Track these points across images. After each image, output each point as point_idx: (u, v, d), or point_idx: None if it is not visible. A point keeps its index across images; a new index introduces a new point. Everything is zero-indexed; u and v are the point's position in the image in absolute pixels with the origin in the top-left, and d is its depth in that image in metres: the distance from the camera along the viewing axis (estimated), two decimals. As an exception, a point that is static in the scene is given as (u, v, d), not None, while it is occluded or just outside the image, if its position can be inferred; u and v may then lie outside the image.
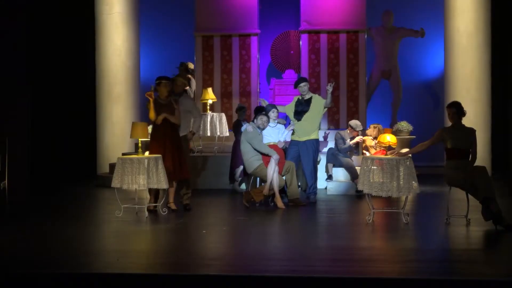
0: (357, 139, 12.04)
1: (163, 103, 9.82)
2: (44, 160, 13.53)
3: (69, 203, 11.45)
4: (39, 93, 13.28)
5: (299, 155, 10.96)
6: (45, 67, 13.86)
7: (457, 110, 8.76)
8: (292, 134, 11.03)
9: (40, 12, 13.50)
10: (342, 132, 12.20)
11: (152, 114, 9.74)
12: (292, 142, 11.03)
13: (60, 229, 8.78)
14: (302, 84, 11.00)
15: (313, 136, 10.95)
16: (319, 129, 11.45)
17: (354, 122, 12.16)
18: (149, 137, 10.05)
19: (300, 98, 11.07)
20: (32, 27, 12.10)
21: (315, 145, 10.97)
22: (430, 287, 6.09)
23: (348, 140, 12.04)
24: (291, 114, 11.08)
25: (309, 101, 10.96)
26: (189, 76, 14.15)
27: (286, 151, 10.99)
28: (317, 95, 11.17)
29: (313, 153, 10.95)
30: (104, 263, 6.97)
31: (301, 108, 10.96)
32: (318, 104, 10.92)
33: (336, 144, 12.09)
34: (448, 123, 9.11)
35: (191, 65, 14.28)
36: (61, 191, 12.78)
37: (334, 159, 12.05)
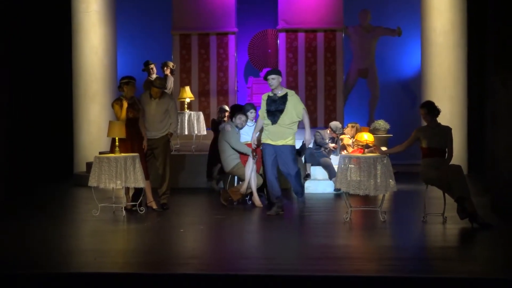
0: (331, 146, 12.06)
1: (129, 102, 9.83)
2: (21, 159, 13.42)
3: (46, 203, 11.36)
4: (15, 91, 13.16)
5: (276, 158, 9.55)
6: (21, 65, 13.73)
7: (428, 110, 8.81)
8: (260, 134, 9.68)
9: (15, 10, 13.39)
10: (322, 132, 12.22)
11: (123, 115, 9.72)
12: (266, 145, 9.50)
13: (37, 228, 8.73)
14: (270, 77, 9.32)
15: (290, 142, 9.43)
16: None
17: (335, 124, 12.16)
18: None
19: (272, 95, 9.45)
20: (7, 24, 11.99)
21: (293, 151, 9.50)
22: (406, 285, 6.13)
23: (327, 141, 12.08)
24: (264, 115, 9.48)
25: (284, 98, 9.39)
26: (168, 74, 14.07)
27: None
28: (293, 93, 9.53)
29: (293, 160, 9.48)
30: (81, 262, 6.94)
31: (275, 107, 9.37)
32: (296, 105, 9.39)
33: (315, 139, 12.03)
34: (425, 122, 9.15)
35: (171, 64, 14.21)
36: (38, 191, 12.68)
37: (312, 159, 12.07)
